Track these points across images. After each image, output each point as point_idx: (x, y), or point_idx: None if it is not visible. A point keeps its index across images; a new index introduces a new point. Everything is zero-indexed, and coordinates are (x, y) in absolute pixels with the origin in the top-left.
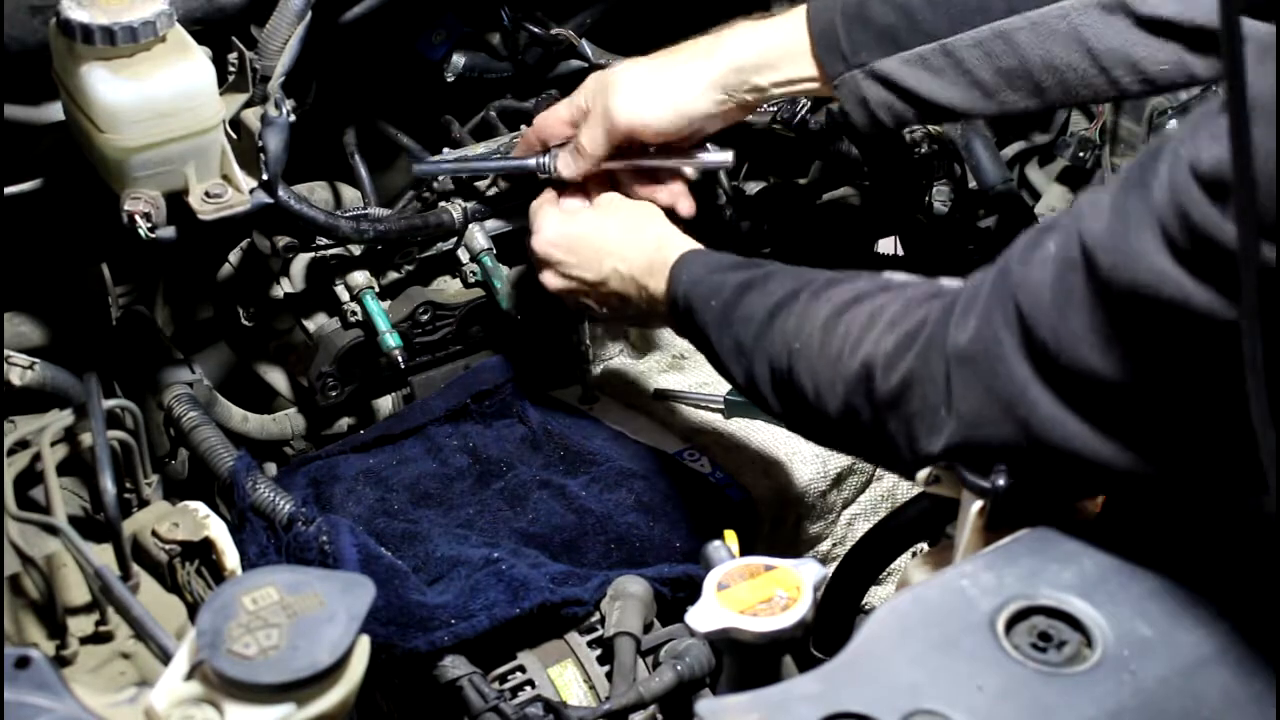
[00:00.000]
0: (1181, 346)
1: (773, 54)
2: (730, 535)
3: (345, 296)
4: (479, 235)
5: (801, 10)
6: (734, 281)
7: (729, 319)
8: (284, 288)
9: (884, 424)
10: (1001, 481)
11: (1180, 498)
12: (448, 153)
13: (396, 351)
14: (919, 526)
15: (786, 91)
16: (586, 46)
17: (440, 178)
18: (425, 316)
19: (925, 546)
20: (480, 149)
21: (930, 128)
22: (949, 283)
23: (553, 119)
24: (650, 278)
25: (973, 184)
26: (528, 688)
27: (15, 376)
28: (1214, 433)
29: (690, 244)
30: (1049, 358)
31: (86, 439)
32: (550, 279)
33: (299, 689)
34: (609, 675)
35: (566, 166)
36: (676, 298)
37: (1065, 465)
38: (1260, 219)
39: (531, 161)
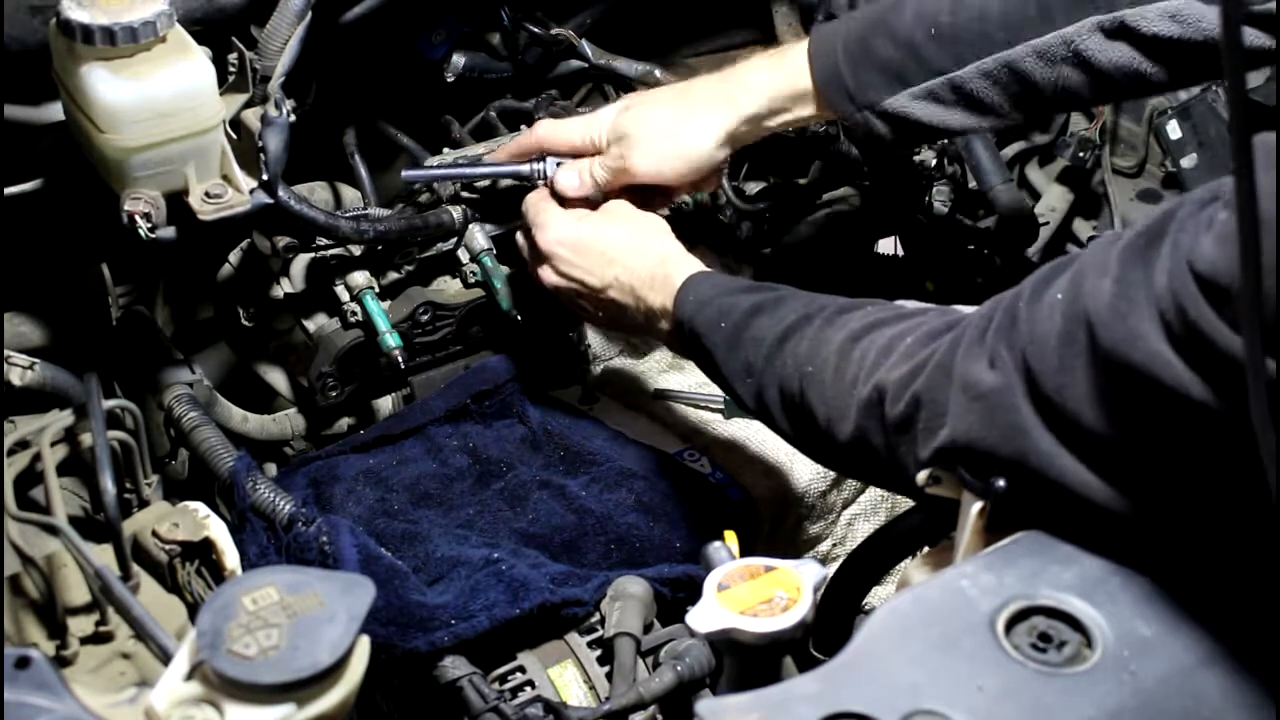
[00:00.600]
0: (1177, 425)
1: (783, 100)
2: (730, 535)
3: (345, 297)
4: (479, 235)
5: (802, 48)
6: (744, 304)
7: (738, 340)
8: (284, 288)
9: (895, 447)
10: (1001, 483)
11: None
12: (446, 153)
13: (396, 352)
14: (920, 534)
15: (797, 127)
16: (586, 46)
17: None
18: (425, 317)
19: (926, 547)
20: (480, 149)
21: None
22: (964, 310)
23: (561, 136)
24: (650, 291)
25: (973, 184)
26: (528, 688)
27: (15, 376)
28: (1208, 493)
29: (694, 264)
30: (1052, 406)
31: (86, 439)
32: (550, 276)
33: (299, 689)
34: (609, 675)
35: (570, 186)
36: (682, 319)
37: (1058, 494)
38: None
39: (525, 169)
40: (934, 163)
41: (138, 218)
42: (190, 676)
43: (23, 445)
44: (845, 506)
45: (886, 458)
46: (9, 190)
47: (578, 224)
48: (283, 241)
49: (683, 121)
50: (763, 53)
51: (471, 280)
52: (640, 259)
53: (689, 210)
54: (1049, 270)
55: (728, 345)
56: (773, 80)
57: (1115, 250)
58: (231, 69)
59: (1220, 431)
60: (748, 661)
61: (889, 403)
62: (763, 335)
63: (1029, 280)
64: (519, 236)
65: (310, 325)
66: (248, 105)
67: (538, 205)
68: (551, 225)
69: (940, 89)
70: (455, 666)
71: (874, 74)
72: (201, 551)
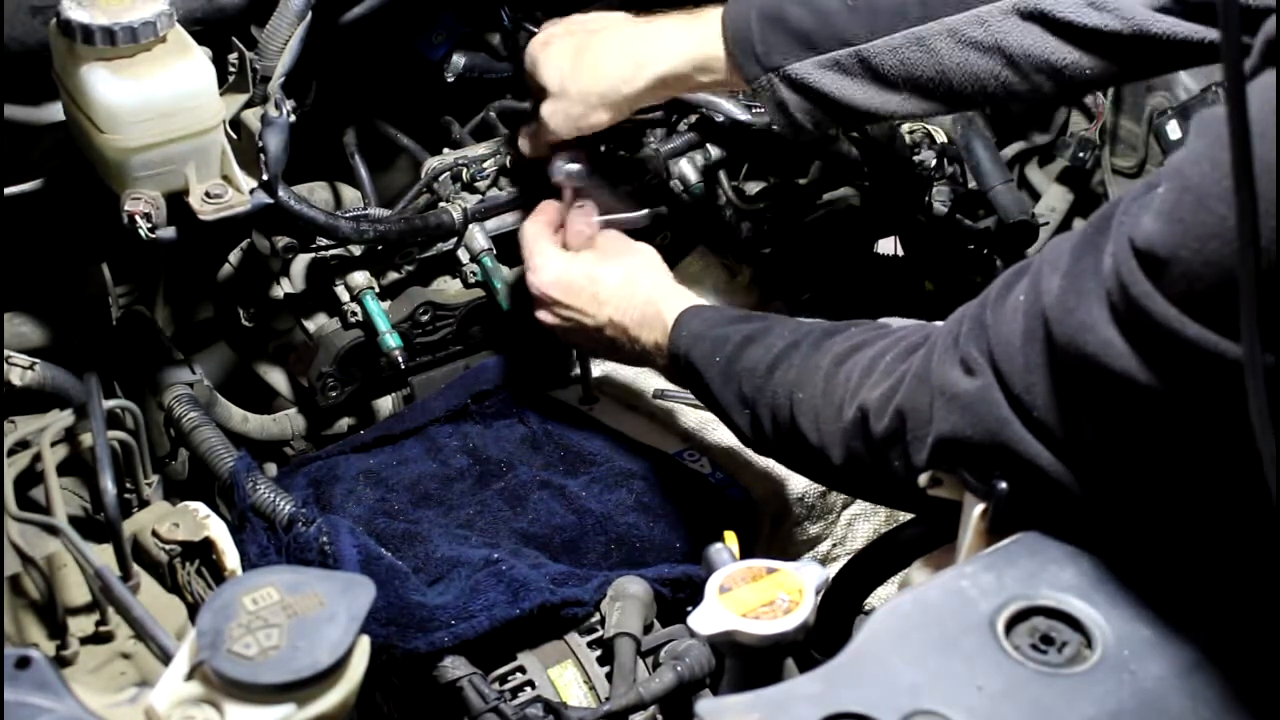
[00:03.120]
0: (1133, 416)
1: (692, 64)
2: (730, 536)
3: (345, 297)
4: (479, 235)
5: (719, 13)
6: (735, 337)
7: (732, 372)
8: (284, 288)
9: (887, 463)
10: (1003, 485)
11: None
12: (446, 153)
13: (397, 352)
14: (922, 542)
15: (705, 90)
16: None
17: (441, 178)
18: (425, 317)
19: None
20: (480, 149)
21: (930, 129)
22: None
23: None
24: (642, 330)
25: (973, 184)
26: (528, 688)
27: (15, 377)
28: (1181, 483)
29: (682, 299)
30: (1023, 405)
31: (87, 439)
32: (546, 317)
33: (299, 689)
34: (609, 676)
35: (525, 145)
36: (678, 355)
37: (1046, 484)
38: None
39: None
40: (934, 163)
41: (138, 218)
42: (190, 676)
43: (23, 445)
44: (845, 507)
45: (879, 473)
46: (9, 190)
47: (568, 265)
48: (283, 241)
49: (583, 85)
50: (678, 14)
51: (471, 280)
52: (631, 299)
53: (690, 199)
54: (1012, 274)
55: (723, 379)
56: (686, 43)
57: (1068, 245)
58: (232, 69)
59: (1175, 419)
60: (749, 663)
61: (873, 419)
62: (754, 365)
63: (994, 285)
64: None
65: (310, 325)
66: (248, 105)
67: (532, 244)
68: (544, 268)
69: (847, 60)
70: (455, 666)
71: (783, 36)
72: (201, 551)
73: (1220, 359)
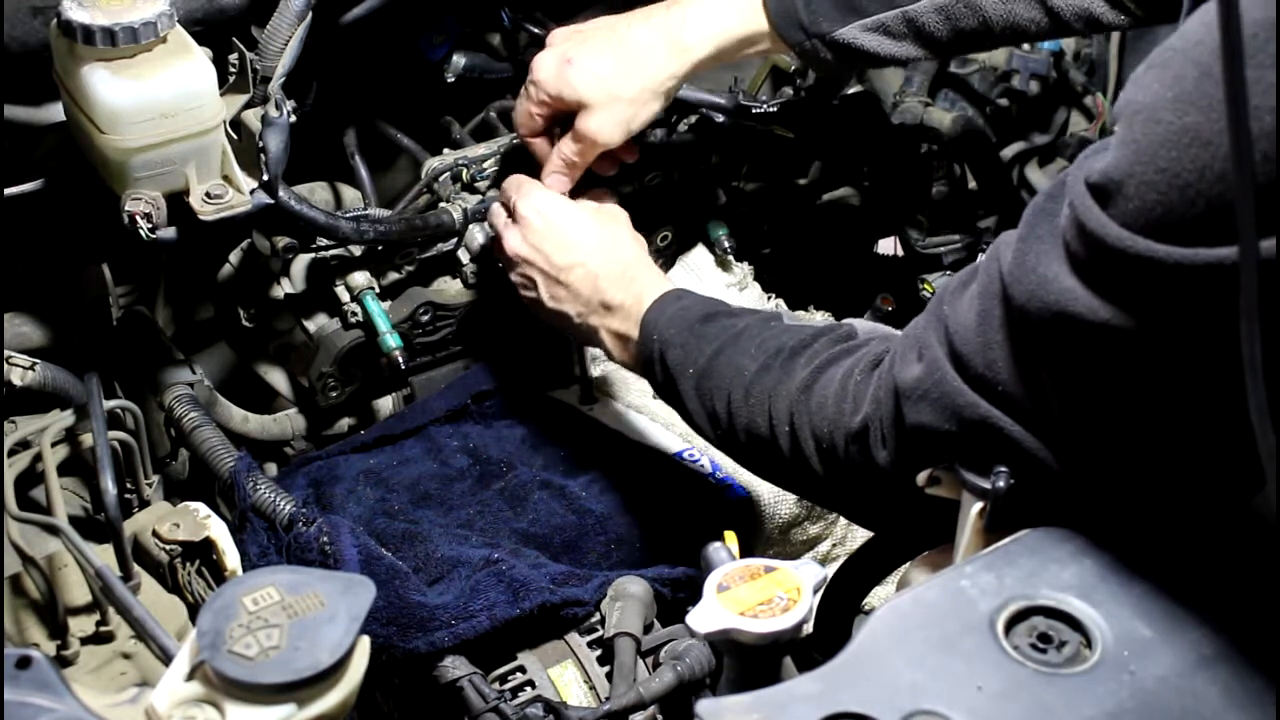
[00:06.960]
0: (1099, 366)
1: (731, 42)
2: (730, 536)
3: (345, 297)
4: (479, 235)
5: None
6: (707, 350)
7: (705, 389)
8: (284, 288)
9: (873, 475)
10: (1001, 483)
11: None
12: (446, 153)
13: (397, 352)
14: (920, 539)
15: (743, 59)
16: None
17: (441, 178)
18: (425, 317)
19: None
20: (480, 149)
21: (935, 127)
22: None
23: (525, 116)
24: (609, 284)
25: (972, 184)
26: (528, 688)
27: (16, 377)
28: (1148, 435)
29: (660, 283)
30: (987, 384)
31: (87, 439)
32: (515, 241)
33: (300, 689)
34: (609, 676)
35: (562, 186)
36: (649, 344)
37: (1028, 462)
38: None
39: None
40: (934, 162)
41: (138, 218)
42: (191, 677)
43: (23, 445)
44: None
45: (864, 489)
46: (10, 190)
47: (559, 201)
48: (283, 242)
49: (633, 83)
50: None
51: (471, 280)
52: (611, 254)
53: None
54: (967, 272)
55: (697, 395)
56: (725, 21)
57: (1022, 218)
58: (232, 69)
59: (1142, 362)
60: (748, 662)
61: (851, 442)
62: (726, 385)
63: (946, 287)
64: (493, 210)
65: (310, 325)
66: (248, 106)
67: (522, 181)
68: (537, 194)
69: (892, 22)
70: (455, 666)
71: (828, 4)
72: (202, 552)
73: (1178, 270)
